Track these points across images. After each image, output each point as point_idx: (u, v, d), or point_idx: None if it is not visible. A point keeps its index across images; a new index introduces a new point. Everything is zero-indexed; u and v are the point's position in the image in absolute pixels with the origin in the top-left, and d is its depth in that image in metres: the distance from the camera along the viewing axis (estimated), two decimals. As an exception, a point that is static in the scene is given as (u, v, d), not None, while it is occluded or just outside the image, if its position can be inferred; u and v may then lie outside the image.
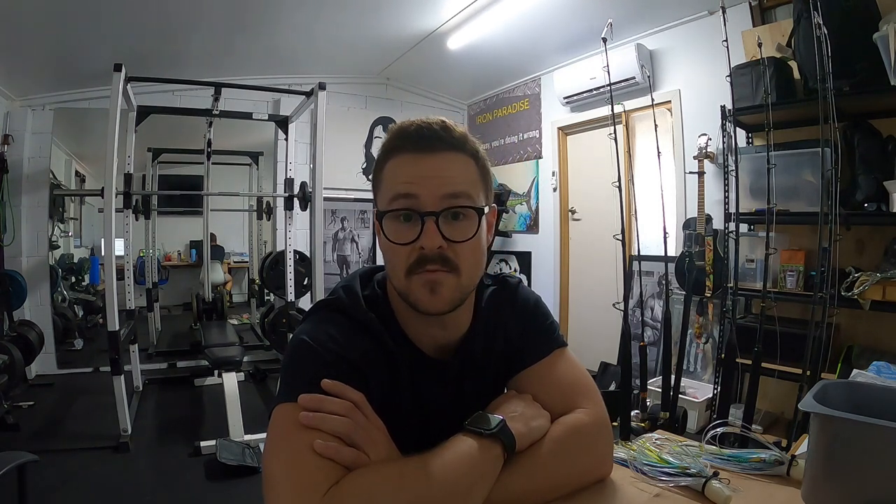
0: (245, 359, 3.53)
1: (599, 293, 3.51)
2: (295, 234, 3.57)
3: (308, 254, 3.59)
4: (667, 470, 0.75)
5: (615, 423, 2.31)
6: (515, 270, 4.32)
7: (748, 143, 2.73)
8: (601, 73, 2.77)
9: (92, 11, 2.84)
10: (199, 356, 3.67)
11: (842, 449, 0.65)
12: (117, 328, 2.57)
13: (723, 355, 2.35)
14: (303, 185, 3.36)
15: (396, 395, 0.69)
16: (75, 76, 3.58)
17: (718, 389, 2.45)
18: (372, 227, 4.65)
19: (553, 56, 3.81)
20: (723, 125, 2.58)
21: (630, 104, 3.24)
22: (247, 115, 3.49)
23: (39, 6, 2.71)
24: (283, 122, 3.60)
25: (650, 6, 3.04)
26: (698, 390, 2.83)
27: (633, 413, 2.50)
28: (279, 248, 3.92)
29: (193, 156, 4.29)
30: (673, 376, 2.51)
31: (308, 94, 3.22)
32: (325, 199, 3.57)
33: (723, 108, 2.54)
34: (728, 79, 2.32)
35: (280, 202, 3.82)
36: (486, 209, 0.68)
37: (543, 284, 4.04)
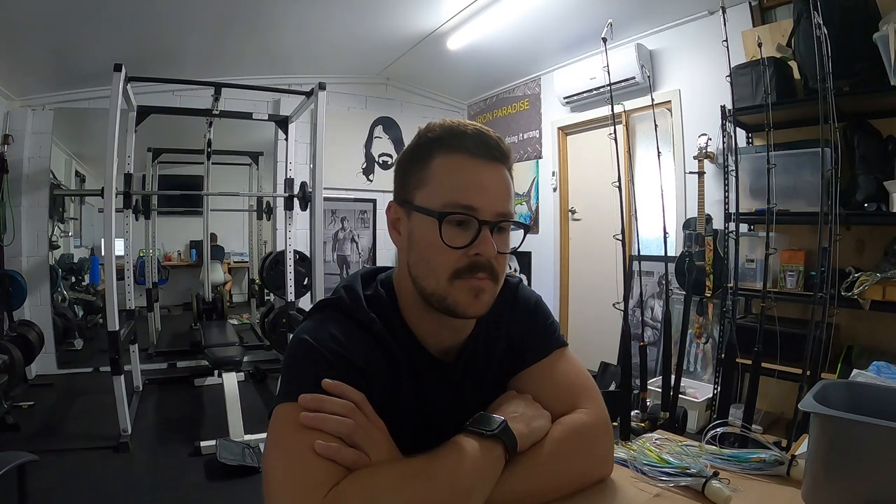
0: (245, 359, 3.53)
1: (599, 293, 3.51)
2: (295, 234, 3.57)
3: (308, 254, 3.59)
4: (667, 470, 0.75)
5: (615, 423, 2.31)
6: (515, 270, 4.32)
7: (748, 143, 2.73)
8: (601, 73, 2.77)
9: (92, 11, 2.84)
10: (199, 356, 3.67)
11: (842, 449, 0.65)
12: (117, 328, 2.57)
13: (723, 355, 2.35)
14: (303, 185, 3.36)
15: (398, 395, 0.69)
16: (75, 76, 3.58)
17: (718, 389, 2.45)
18: (373, 226, 4.65)
19: (553, 56, 3.81)
20: (723, 125, 2.58)
21: (630, 104, 3.24)
22: (247, 115, 3.49)
23: (39, 6, 2.71)
24: (283, 122, 3.60)
25: (650, 6, 3.04)
26: (698, 390, 2.83)
27: (633, 413, 2.50)
28: (279, 248, 3.92)
29: (193, 156, 4.28)
30: (673, 376, 2.51)
31: (308, 94, 3.22)
32: (325, 199, 3.58)
33: (723, 108, 2.55)
34: (728, 79, 2.32)
35: (280, 202, 3.82)
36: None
37: (543, 284, 4.04)
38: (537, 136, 4.18)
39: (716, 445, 0.84)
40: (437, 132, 0.68)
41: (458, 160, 0.66)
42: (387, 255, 4.67)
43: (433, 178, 0.66)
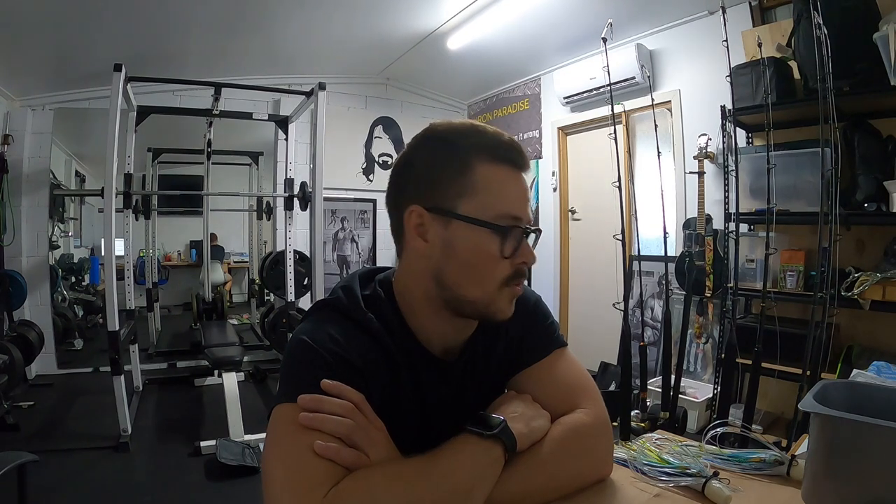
0: (245, 359, 3.53)
1: (599, 293, 3.51)
2: (295, 234, 3.57)
3: (308, 254, 3.59)
4: (667, 470, 0.75)
5: (615, 423, 2.31)
6: (515, 270, 4.32)
7: (748, 143, 2.73)
8: (601, 73, 2.77)
9: (92, 11, 2.84)
10: (199, 356, 3.66)
11: (842, 449, 0.65)
12: (117, 328, 2.57)
13: (723, 355, 2.35)
14: (303, 185, 3.36)
15: (397, 395, 0.69)
16: (75, 76, 3.58)
17: (718, 389, 2.45)
18: (373, 226, 4.65)
19: (553, 56, 3.81)
20: (723, 125, 2.58)
21: (630, 104, 3.24)
22: (247, 115, 3.49)
23: (39, 6, 2.71)
24: (283, 122, 3.60)
25: (650, 6, 3.04)
26: (698, 390, 2.83)
27: (633, 413, 2.50)
28: (279, 248, 3.92)
29: (193, 156, 4.29)
30: (673, 376, 2.51)
31: (308, 94, 3.22)
32: (325, 199, 3.58)
33: (723, 108, 2.54)
34: (728, 79, 2.32)
35: (280, 202, 3.82)
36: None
37: (543, 284, 4.04)
38: (537, 136, 4.18)
39: (716, 445, 0.84)
40: (473, 138, 0.67)
41: (503, 171, 0.67)
42: (387, 255, 4.66)
43: (482, 189, 0.65)
